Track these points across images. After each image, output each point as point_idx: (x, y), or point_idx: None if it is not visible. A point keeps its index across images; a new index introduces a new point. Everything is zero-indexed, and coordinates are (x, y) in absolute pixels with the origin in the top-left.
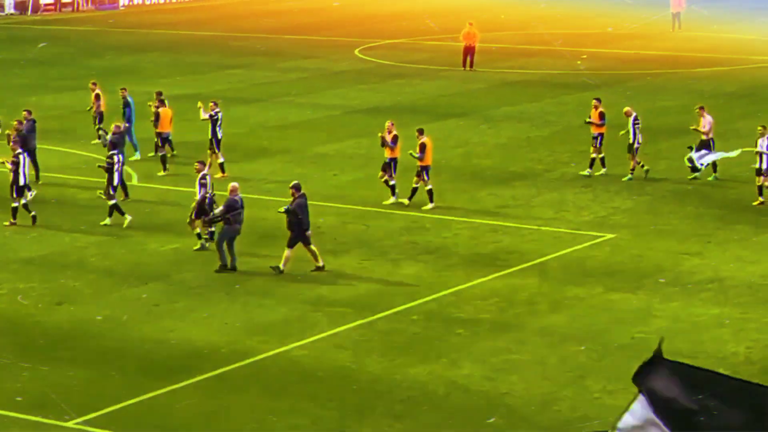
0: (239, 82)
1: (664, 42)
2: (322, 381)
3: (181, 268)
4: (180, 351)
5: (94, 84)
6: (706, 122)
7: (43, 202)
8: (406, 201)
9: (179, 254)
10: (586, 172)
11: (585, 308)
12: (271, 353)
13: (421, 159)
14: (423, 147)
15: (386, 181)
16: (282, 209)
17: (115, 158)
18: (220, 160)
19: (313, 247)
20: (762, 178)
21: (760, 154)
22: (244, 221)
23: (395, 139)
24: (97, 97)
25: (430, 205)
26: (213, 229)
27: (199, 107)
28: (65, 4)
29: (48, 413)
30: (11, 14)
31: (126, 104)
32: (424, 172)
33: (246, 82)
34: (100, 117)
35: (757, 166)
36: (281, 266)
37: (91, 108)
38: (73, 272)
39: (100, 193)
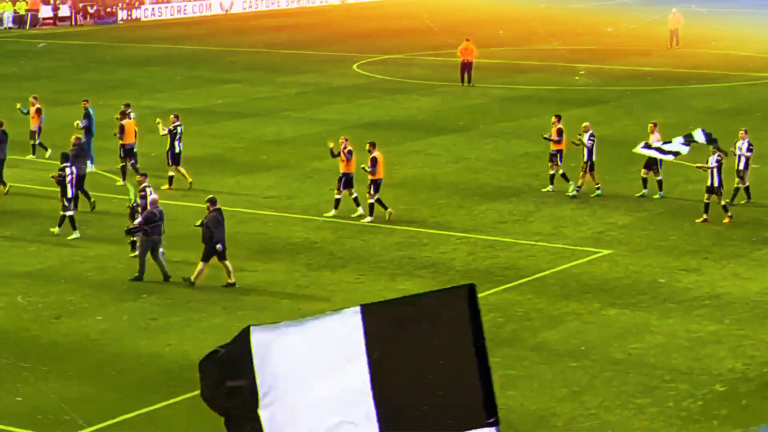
0: (236, 97)
1: (661, 58)
2: None
3: (179, 283)
4: (177, 365)
5: (35, 98)
6: (655, 139)
7: (40, 216)
8: (367, 218)
9: (176, 268)
10: (548, 189)
11: (581, 324)
12: None
13: (372, 173)
14: (374, 161)
15: (355, 198)
16: (197, 222)
17: (67, 170)
18: (171, 173)
19: (227, 262)
20: (714, 196)
21: (711, 170)
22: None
23: (350, 153)
24: (38, 111)
25: (368, 218)
26: (135, 239)
27: (158, 122)
28: (63, 18)
29: (46, 428)
30: (10, 28)
31: (87, 116)
32: (373, 186)
33: (243, 96)
34: (38, 131)
35: (708, 183)
36: (192, 278)
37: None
38: (70, 286)
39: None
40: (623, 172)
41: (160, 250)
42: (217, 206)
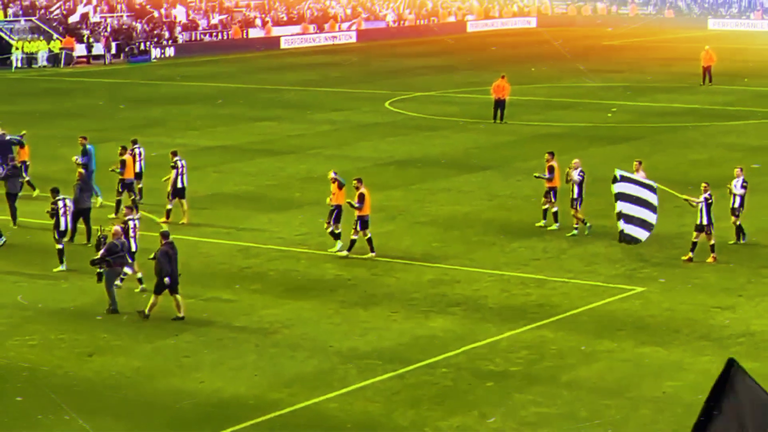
0: (270, 134)
1: (693, 95)
2: None
3: (211, 320)
4: (209, 403)
5: (22, 136)
6: (640, 177)
7: (74, 253)
8: (344, 252)
9: (210, 306)
10: (541, 223)
11: (615, 361)
12: (300, 406)
13: (359, 209)
14: (362, 197)
15: (332, 231)
16: (150, 256)
17: (60, 203)
18: (169, 206)
19: (178, 296)
20: (703, 234)
21: (701, 210)
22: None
23: (361, 197)
24: (21, 145)
25: (371, 254)
26: (100, 270)
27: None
28: (97, 57)
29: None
30: (44, 66)
31: (84, 153)
32: (359, 222)
33: (276, 134)
34: (25, 167)
35: (698, 221)
36: (146, 311)
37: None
38: (104, 323)
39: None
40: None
41: (117, 282)
42: (170, 240)
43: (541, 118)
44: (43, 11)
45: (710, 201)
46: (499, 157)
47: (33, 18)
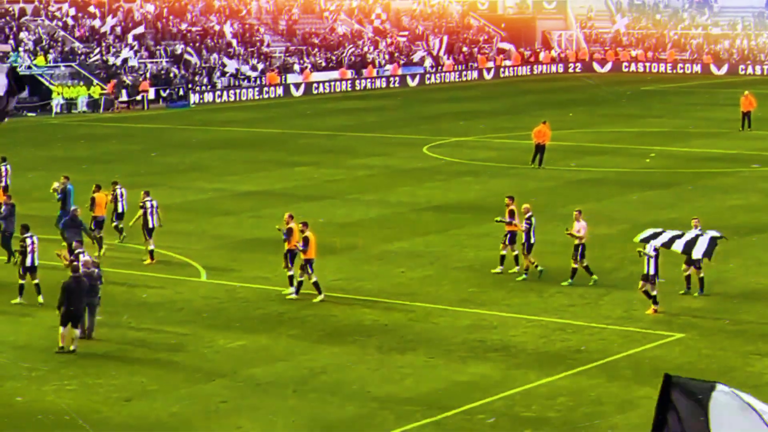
0: (307, 179)
1: (732, 141)
2: None
3: (249, 365)
4: None
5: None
6: (580, 227)
7: (110, 296)
8: (291, 295)
9: (247, 351)
10: (497, 270)
11: (653, 409)
12: None
13: (304, 252)
14: (306, 240)
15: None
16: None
17: (28, 240)
18: (151, 247)
19: (77, 331)
20: (648, 285)
21: (648, 257)
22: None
23: (289, 231)
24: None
25: (320, 297)
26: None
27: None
28: (136, 102)
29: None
30: (84, 112)
31: (62, 191)
32: (308, 265)
33: (314, 179)
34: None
35: (645, 271)
36: (72, 347)
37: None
38: (140, 368)
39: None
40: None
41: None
42: (78, 274)
43: (579, 164)
44: (82, 57)
45: (658, 251)
46: (537, 203)
47: (73, 63)
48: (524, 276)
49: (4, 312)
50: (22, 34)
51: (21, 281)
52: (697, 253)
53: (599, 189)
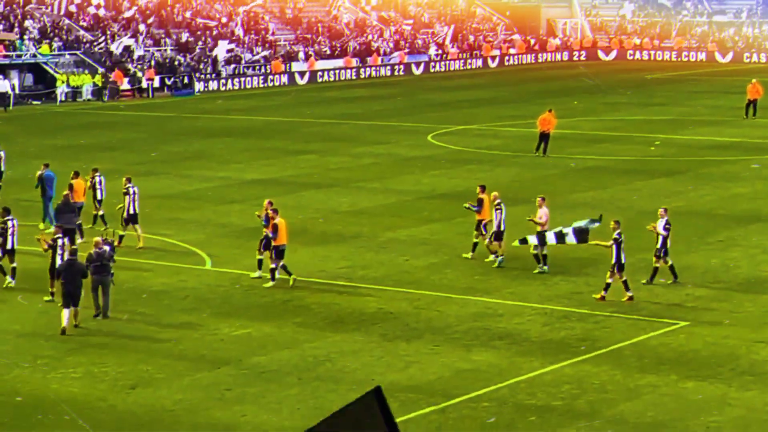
0: (312, 168)
1: (737, 129)
2: None
3: (253, 353)
4: None
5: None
6: (542, 213)
7: (119, 287)
8: (269, 283)
9: (252, 339)
10: (468, 255)
11: (658, 396)
12: None
13: (274, 239)
14: (276, 227)
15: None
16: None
17: (9, 223)
18: (121, 233)
19: (76, 309)
20: (614, 274)
21: (612, 248)
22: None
23: (267, 218)
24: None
25: (270, 283)
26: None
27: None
28: (141, 90)
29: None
30: (88, 100)
31: (40, 178)
32: (275, 251)
33: (319, 167)
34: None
35: (613, 261)
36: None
37: None
38: (146, 356)
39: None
40: (699, 243)
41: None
42: (74, 257)
43: (583, 152)
44: (87, 45)
45: (620, 240)
46: (541, 191)
47: (78, 52)
48: (492, 257)
49: (7, 300)
50: (27, 22)
51: None
52: (569, 239)
53: (604, 177)
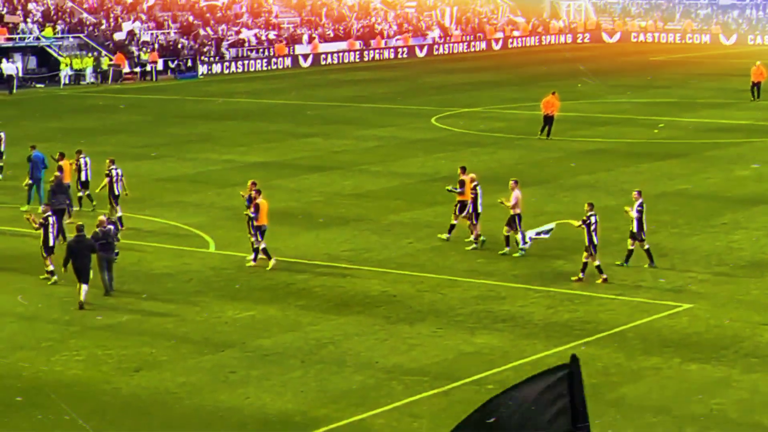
0: (316, 150)
1: (743, 111)
2: None
3: (257, 335)
4: (255, 419)
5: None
6: (514, 196)
7: (121, 269)
8: (251, 262)
9: (256, 321)
10: (444, 237)
11: (662, 379)
12: (345, 422)
13: (256, 219)
14: (257, 207)
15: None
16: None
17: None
18: (118, 214)
19: (85, 285)
20: (588, 255)
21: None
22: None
23: (250, 198)
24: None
25: (251, 263)
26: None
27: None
28: (144, 73)
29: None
30: (91, 83)
31: (29, 159)
32: (258, 233)
33: (323, 150)
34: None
35: (587, 243)
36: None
37: None
38: (150, 338)
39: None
40: (704, 225)
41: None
42: (79, 234)
43: (587, 134)
44: (91, 28)
45: (589, 222)
46: (546, 174)
47: (81, 35)
48: (474, 245)
49: (10, 283)
50: (31, 5)
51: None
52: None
53: (608, 160)
